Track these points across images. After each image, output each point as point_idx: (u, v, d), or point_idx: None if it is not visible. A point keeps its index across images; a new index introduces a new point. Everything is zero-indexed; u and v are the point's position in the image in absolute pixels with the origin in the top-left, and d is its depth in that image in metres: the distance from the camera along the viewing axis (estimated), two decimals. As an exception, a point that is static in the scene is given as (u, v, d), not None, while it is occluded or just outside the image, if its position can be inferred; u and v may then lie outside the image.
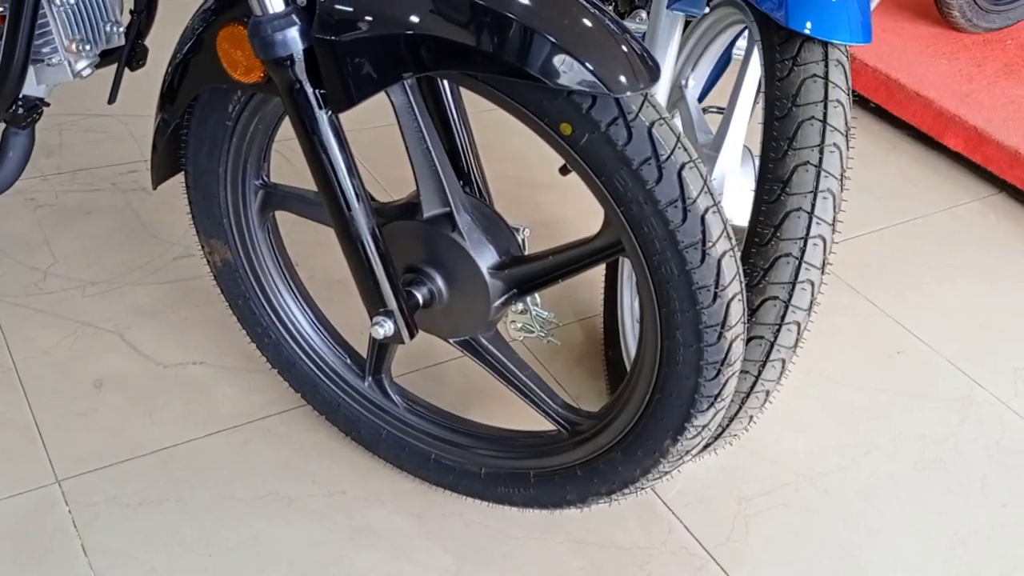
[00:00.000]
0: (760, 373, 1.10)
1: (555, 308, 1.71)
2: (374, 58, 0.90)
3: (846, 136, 1.06)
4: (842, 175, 1.05)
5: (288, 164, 1.79)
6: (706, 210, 0.93)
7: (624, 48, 0.88)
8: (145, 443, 1.36)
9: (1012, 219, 2.32)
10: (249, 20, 0.93)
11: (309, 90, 0.94)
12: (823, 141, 1.04)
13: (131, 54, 1.27)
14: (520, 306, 1.20)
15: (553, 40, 0.86)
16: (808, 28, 1.04)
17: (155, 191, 1.28)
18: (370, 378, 1.32)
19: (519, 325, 1.23)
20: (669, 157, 0.91)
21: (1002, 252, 2.18)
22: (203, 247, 1.30)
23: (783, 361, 1.10)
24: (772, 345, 1.08)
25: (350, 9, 0.89)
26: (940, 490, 1.53)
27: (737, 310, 0.98)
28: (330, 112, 0.96)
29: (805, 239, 1.04)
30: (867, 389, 1.72)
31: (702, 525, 1.40)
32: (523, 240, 1.16)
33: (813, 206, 1.03)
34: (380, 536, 1.29)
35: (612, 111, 0.90)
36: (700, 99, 1.60)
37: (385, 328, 1.07)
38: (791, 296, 1.05)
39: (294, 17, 0.92)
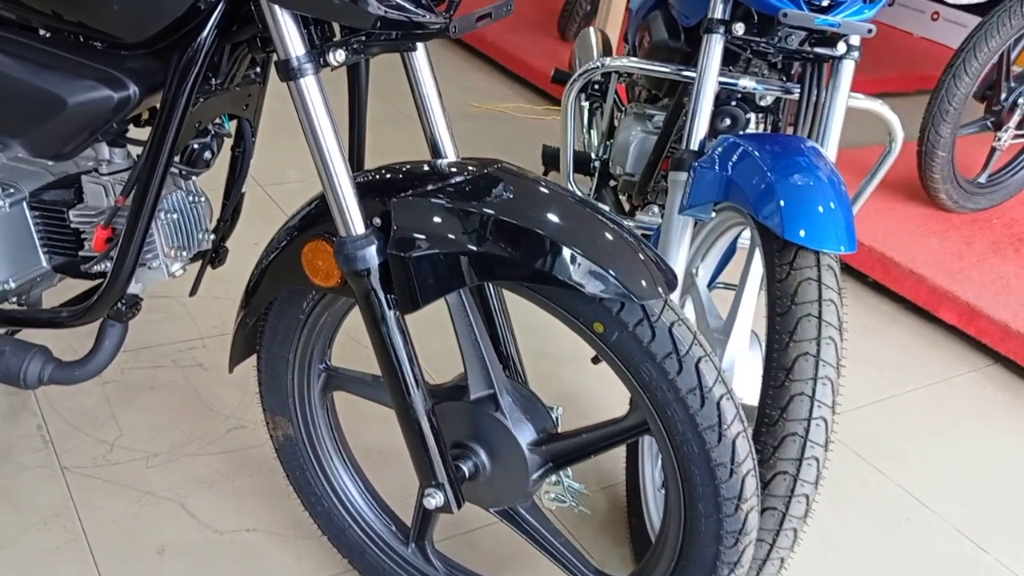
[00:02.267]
0: (775, 541, 1.22)
1: (579, 476, 1.83)
2: (438, 271, 1.08)
3: (839, 329, 1.22)
4: (838, 363, 1.21)
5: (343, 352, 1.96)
6: (721, 396, 1.08)
7: (643, 258, 1.06)
8: (205, 607, 1.46)
9: (1008, 390, 2.45)
10: (335, 238, 1.11)
11: (382, 296, 1.12)
12: (820, 334, 1.20)
13: (214, 255, 1.46)
14: (554, 478, 1.33)
15: (584, 255, 1.04)
16: (802, 238, 1.22)
17: (209, 368, 1.43)
18: (413, 544, 1.44)
19: (552, 495, 1.36)
20: (688, 352, 1.07)
21: (1000, 421, 2.30)
22: (268, 423, 1.45)
23: (795, 530, 1.22)
24: (784, 515, 1.20)
25: (421, 234, 1.08)
26: (952, 655, 1.61)
27: (751, 484, 1.11)
28: (398, 313, 1.13)
29: (808, 420, 1.18)
30: (877, 555, 1.81)
31: None
32: (557, 418, 1.31)
33: (814, 391, 1.18)
34: None
35: (638, 314, 1.06)
36: (709, 284, 1.78)
37: (436, 499, 1.21)
38: (799, 471, 1.19)
39: (373, 238, 1.10)
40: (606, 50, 2.68)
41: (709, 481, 1.10)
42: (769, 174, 1.30)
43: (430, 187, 1.10)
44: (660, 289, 1.05)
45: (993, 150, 3.13)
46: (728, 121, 1.77)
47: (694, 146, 1.51)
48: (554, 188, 1.13)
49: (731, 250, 1.77)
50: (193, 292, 1.51)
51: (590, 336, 1.10)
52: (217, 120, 1.29)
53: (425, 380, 1.28)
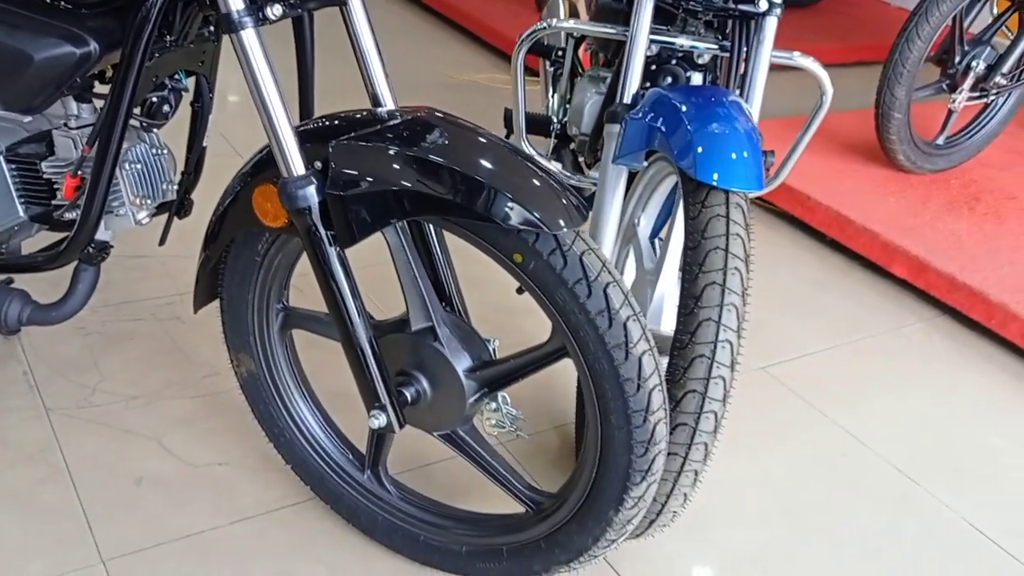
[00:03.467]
0: (687, 454, 1.34)
1: (535, 416, 1.96)
2: (371, 208, 1.20)
3: (745, 261, 1.33)
4: (743, 291, 1.32)
5: (302, 296, 2.07)
6: (627, 318, 1.19)
7: (556, 194, 1.17)
8: (177, 530, 1.58)
9: (954, 339, 2.57)
10: (279, 180, 1.23)
11: (322, 232, 1.23)
12: (726, 265, 1.31)
13: (180, 206, 1.57)
14: (493, 405, 1.45)
15: (501, 191, 1.15)
16: (714, 179, 1.33)
17: (186, 321, 1.55)
18: (369, 471, 1.56)
19: (493, 421, 1.48)
20: (596, 278, 1.18)
21: (940, 369, 2.42)
22: (232, 360, 1.57)
23: (705, 444, 1.34)
24: (695, 430, 1.32)
25: (354, 173, 1.19)
26: None
27: (658, 398, 1.23)
28: (337, 248, 1.24)
29: (715, 342, 1.30)
30: (813, 487, 1.93)
31: (658, 601, 1.60)
32: (494, 349, 1.42)
33: (720, 316, 1.30)
34: (376, 608, 1.50)
35: (551, 244, 1.18)
36: (655, 234, 1.89)
37: (380, 420, 1.33)
38: (707, 389, 1.30)
39: (312, 178, 1.21)
40: (572, 16, 2.77)
41: (619, 395, 1.22)
42: (689, 124, 1.41)
43: (365, 132, 1.21)
44: (570, 220, 1.16)
45: (950, 113, 3.23)
46: (669, 79, 1.87)
47: (627, 100, 1.62)
48: (479, 132, 1.24)
49: (672, 200, 1.88)
50: (162, 242, 1.63)
51: (511, 266, 1.21)
52: (175, 76, 1.40)
53: (369, 313, 1.39)
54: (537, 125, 2.38)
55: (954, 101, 3.13)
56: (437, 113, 1.26)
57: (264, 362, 1.54)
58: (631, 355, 1.20)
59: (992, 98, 3.22)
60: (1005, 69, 3.10)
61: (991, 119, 3.36)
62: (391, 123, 1.23)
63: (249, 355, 1.54)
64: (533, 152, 2.07)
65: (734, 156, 1.36)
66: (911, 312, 2.67)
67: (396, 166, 1.18)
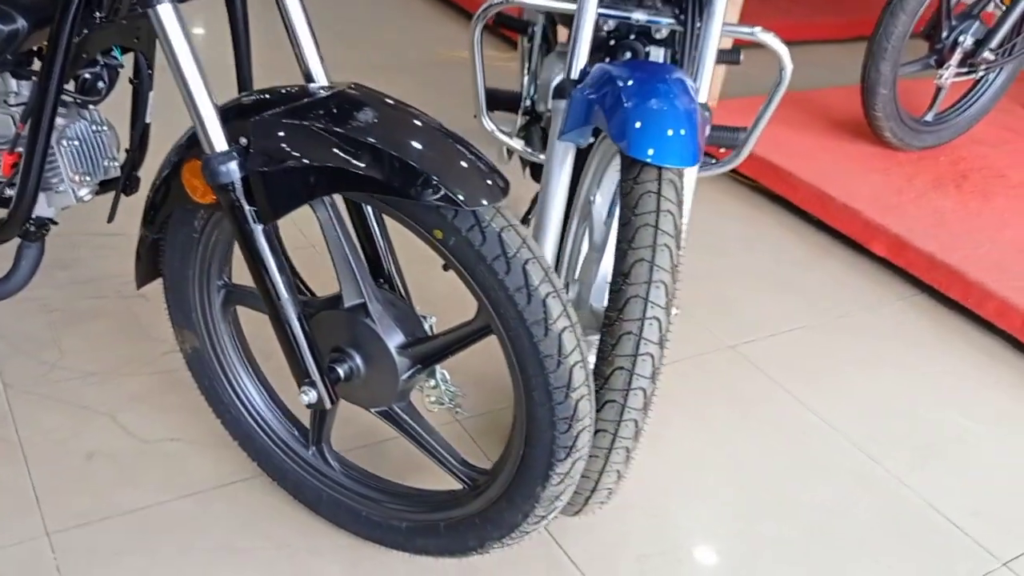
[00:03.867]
0: (617, 431, 1.33)
1: (491, 393, 1.96)
2: (291, 184, 1.19)
3: (675, 238, 1.32)
4: (673, 268, 1.31)
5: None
6: (547, 295, 1.19)
7: (475, 169, 1.17)
8: (124, 504, 1.60)
9: (931, 318, 2.55)
10: (202, 156, 1.23)
11: (245, 207, 1.23)
12: (655, 242, 1.30)
13: (127, 183, 1.58)
14: (432, 382, 1.45)
15: (424, 169, 1.14)
16: (648, 156, 1.32)
17: (151, 299, 1.55)
18: (313, 447, 1.57)
19: (433, 398, 1.48)
20: (515, 254, 1.17)
21: (914, 347, 2.40)
22: (177, 336, 1.57)
23: (635, 421, 1.33)
24: (623, 407, 1.31)
25: (274, 149, 1.19)
26: (828, 554, 1.72)
27: (580, 375, 1.22)
28: (261, 223, 1.24)
29: (643, 319, 1.29)
30: (771, 464, 1.92)
31: (602, 577, 1.60)
32: (431, 326, 1.42)
33: (648, 293, 1.29)
34: (317, 583, 1.51)
35: (470, 220, 1.17)
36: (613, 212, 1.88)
37: (310, 396, 1.33)
38: (635, 366, 1.30)
39: (234, 154, 1.21)
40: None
41: (540, 372, 1.21)
42: (627, 100, 1.39)
43: (287, 108, 1.21)
44: (489, 197, 1.15)
45: (938, 89, 3.18)
46: (628, 54, 1.85)
47: (574, 75, 1.60)
48: (403, 108, 1.23)
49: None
50: (110, 219, 1.63)
51: (433, 242, 1.21)
52: (109, 52, 1.40)
53: (309, 289, 1.40)
54: (508, 102, 2.36)
55: (941, 77, 3.08)
56: (362, 88, 1.25)
57: (208, 338, 1.54)
58: (551, 332, 1.19)
59: (981, 74, 3.17)
60: (994, 44, 3.05)
61: (982, 95, 3.31)
62: (315, 99, 1.23)
63: (192, 332, 1.54)
64: (494, 128, 2.05)
65: (670, 133, 1.35)
66: (890, 291, 2.65)
67: (315, 142, 1.17)
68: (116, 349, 1.96)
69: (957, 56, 3.04)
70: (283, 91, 1.27)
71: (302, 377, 1.32)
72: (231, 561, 1.53)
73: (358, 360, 1.38)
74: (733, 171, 3.11)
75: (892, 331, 2.46)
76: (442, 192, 1.13)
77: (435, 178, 1.14)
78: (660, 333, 1.30)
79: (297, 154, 1.18)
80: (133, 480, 1.65)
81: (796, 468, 1.92)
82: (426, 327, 1.40)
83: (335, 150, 1.17)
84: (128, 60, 1.47)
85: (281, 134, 1.19)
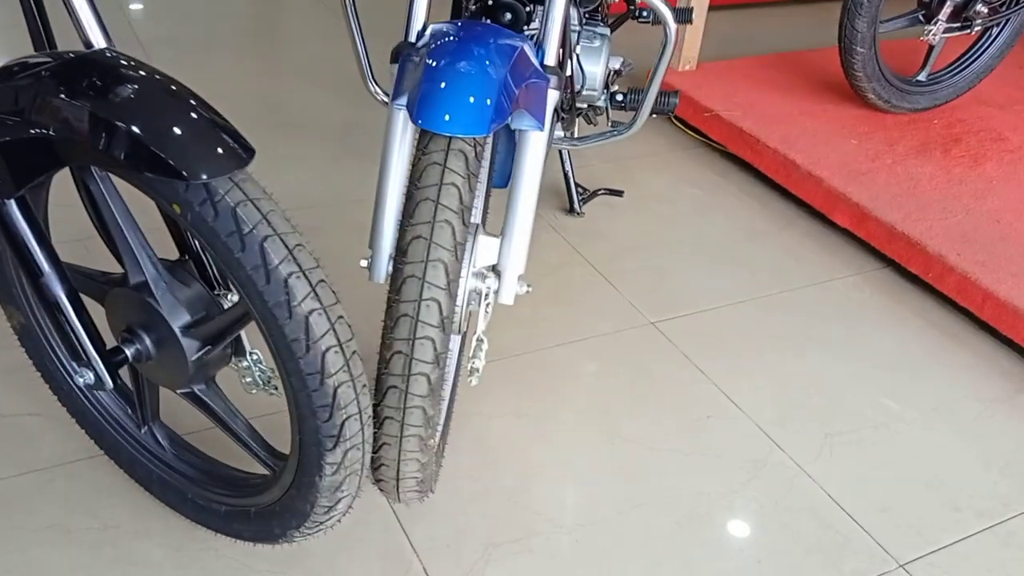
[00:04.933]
0: (404, 419, 1.25)
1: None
2: (26, 156, 1.14)
3: (459, 213, 1.22)
4: (455, 246, 1.21)
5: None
6: (290, 274, 1.11)
7: (215, 143, 1.09)
8: (-36, 479, 1.59)
9: (887, 293, 2.37)
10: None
11: (-10, 183, 1.18)
12: (435, 217, 1.20)
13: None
14: (245, 363, 1.39)
15: (146, 140, 1.07)
16: (432, 124, 1.21)
17: None
18: (145, 426, 1.53)
19: (248, 379, 1.42)
20: (251, 231, 1.10)
21: (860, 325, 2.23)
22: (5, 312, 1.55)
23: (422, 408, 1.25)
24: (405, 394, 1.23)
25: (9, 121, 1.13)
26: (698, 544, 1.61)
27: (336, 361, 1.14)
28: (3, 199, 1.19)
29: (419, 301, 1.20)
30: (662, 450, 1.81)
31: (441, 567, 1.53)
32: (232, 304, 1.35)
33: (425, 273, 1.20)
34: (136, 565, 1.48)
35: (202, 193, 1.10)
36: (504, 183, 1.78)
37: (85, 377, 1.28)
38: (413, 350, 1.21)
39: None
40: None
41: (291, 356, 1.14)
42: (424, 64, 1.29)
43: (24, 75, 1.15)
44: (217, 168, 1.08)
45: (931, 48, 2.95)
46: (508, 16, 1.74)
47: (411, 37, 1.50)
48: (150, 75, 1.15)
49: (512, 145, 1.76)
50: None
51: (175, 216, 1.14)
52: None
53: (80, 266, 1.35)
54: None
55: (930, 33, 2.85)
56: (113, 53, 1.18)
57: (32, 314, 1.51)
58: (295, 314, 1.11)
59: (978, 29, 2.93)
60: (987, -5, 2.80)
61: (984, 52, 3.06)
62: (55, 65, 1.16)
63: (16, 307, 1.52)
64: (381, 94, 1.97)
65: (472, 100, 1.24)
66: (847, 265, 2.47)
67: (47, 111, 1.11)
68: None
69: (947, 10, 2.81)
70: (32, 59, 1.21)
71: (75, 357, 1.28)
72: (57, 541, 1.50)
73: (147, 340, 1.32)
74: (706, 138, 2.96)
75: (838, 308, 2.29)
76: (164, 163, 1.06)
77: (156, 148, 1.06)
78: (440, 316, 1.21)
79: (26, 123, 1.12)
80: (-20, 454, 1.64)
81: (689, 454, 1.81)
82: (224, 305, 1.34)
83: (65, 120, 1.10)
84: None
85: (16, 103, 1.13)
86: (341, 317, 1.15)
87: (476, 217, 1.49)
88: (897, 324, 2.25)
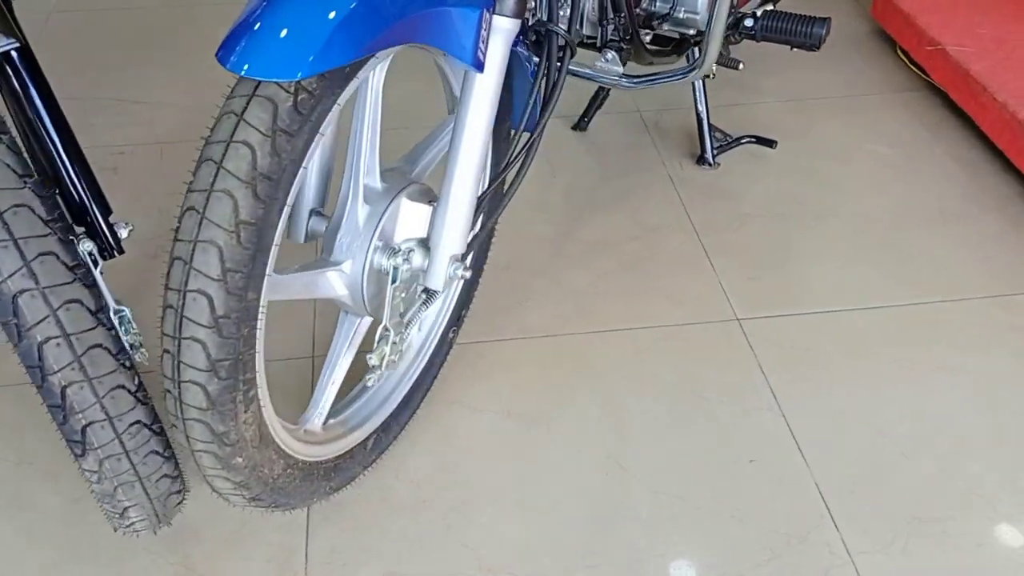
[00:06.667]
0: (186, 429, 1.00)
1: (274, 347, 1.61)
2: None
3: (251, 183, 0.91)
4: (237, 225, 0.91)
5: None
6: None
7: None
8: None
9: None
10: None
11: None
12: (212, 186, 0.91)
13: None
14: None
15: None
16: (225, 62, 0.89)
17: None
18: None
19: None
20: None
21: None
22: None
23: (202, 423, 0.98)
24: (179, 402, 0.97)
25: None
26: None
27: (61, 355, 0.91)
28: None
29: (183, 292, 0.92)
30: (669, 495, 1.41)
31: None
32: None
33: (192, 256, 0.91)
34: (26, 510, 1.38)
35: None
36: (531, 128, 1.43)
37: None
38: (180, 351, 0.94)
39: None
40: None
41: (13, 346, 0.93)
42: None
43: None
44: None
45: None
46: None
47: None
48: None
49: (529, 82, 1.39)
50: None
51: None
52: None
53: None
54: None
55: None
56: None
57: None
58: (3, 294, 0.89)
59: None
60: None
61: None
62: None
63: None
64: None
65: (268, 34, 0.89)
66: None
67: None
68: None
69: None
70: None
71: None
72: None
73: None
74: (930, 79, 2.30)
75: (1018, 342, 1.67)
76: None
77: None
78: (211, 313, 0.92)
79: None
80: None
81: (695, 506, 1.39)
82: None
83: None
84: None
85: None
86: (71, 302, 0.91)
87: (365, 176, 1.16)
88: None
